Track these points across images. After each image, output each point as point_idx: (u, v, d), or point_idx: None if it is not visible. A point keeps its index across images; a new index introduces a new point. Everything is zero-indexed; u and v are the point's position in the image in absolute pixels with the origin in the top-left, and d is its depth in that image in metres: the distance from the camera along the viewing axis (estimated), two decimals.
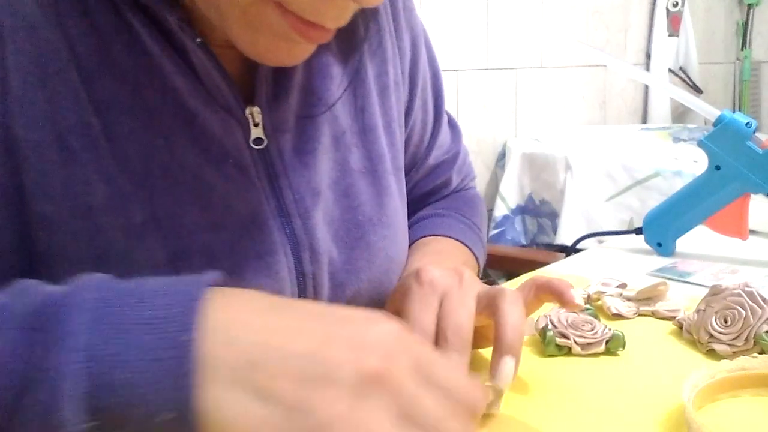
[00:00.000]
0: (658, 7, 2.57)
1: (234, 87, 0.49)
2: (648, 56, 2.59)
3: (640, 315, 0.66)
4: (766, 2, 2.86)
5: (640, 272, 0.80)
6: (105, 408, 0.30)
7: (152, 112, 0.47)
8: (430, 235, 0.68)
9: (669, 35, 2.61)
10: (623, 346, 0.57)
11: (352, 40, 0.57)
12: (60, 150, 0.44)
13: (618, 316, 0.65)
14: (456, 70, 1.92)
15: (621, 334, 0.57)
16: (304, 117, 0.54)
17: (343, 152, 0.57)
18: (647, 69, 2.56)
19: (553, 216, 1.87)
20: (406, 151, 0.68)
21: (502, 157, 2.03)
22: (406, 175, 0.68)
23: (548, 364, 0.55)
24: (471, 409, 0.35)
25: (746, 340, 0.55)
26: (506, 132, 2.11)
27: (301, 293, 0.53)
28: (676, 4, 2.59)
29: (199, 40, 0.46)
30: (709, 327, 0.57)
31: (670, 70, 2.63)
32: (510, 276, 0.69)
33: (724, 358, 0.51)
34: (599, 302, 0.68)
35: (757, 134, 0.81)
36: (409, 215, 0.68)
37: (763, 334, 0.55)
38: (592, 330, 0.58)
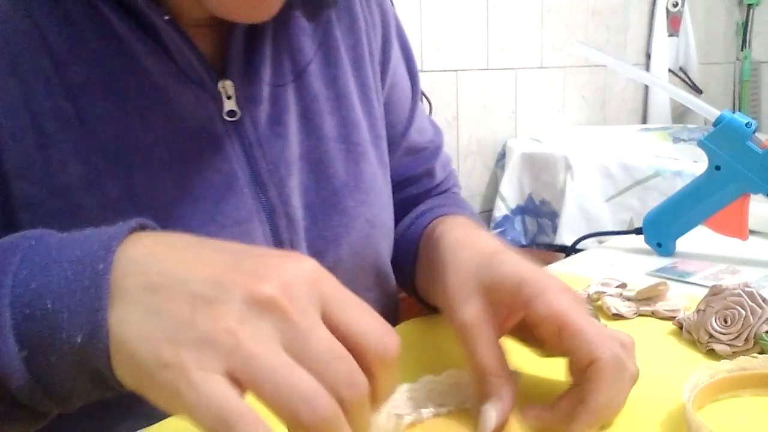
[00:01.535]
0: (658, 7, 2.57)
1: (205, 62, 0.51)
2: (648, 56, 2.59)
3: (640, 315, 0.66)
4: (766, 2, 2.86)
5: (640, 272, 0.80)
6: (32, 336, 0.33)
7: (125, 93, 0.49)
8: (446, 215, 0.66)
9: (669, 35, 2.61)
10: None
11: (318, 9, 0.59)
12: (36, 134, 0.46)
13: (618, 316, 0.65)
14: (456, 70, 1.92)
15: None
16: (276, 86, 0.56)
17: (316, 120, 0.58)
18: (647, 69, 2.56)
19: (553, 216, 1.87)
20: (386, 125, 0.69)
21: (501, 157, 2.03)
22: (389, 148, 0.69)
23: (546, 364, 0.55)
24: (380, 361, 0.33)
25: (746, 340, 0.55)
26: (506, 132, 2.11)
27: None
28: (676, 4, 2.60)
29: (167, 17, 0.48)
30: (709, 327, 0.57)
31: (670, 70, 2.64)
32: None
33: (724, 358, 0.51)
34: (599, 302, 0.68)
35: (757, 134, 0.81)
36: (395, 205, 0.69)
37: (763, 334, 0.55)
38: None
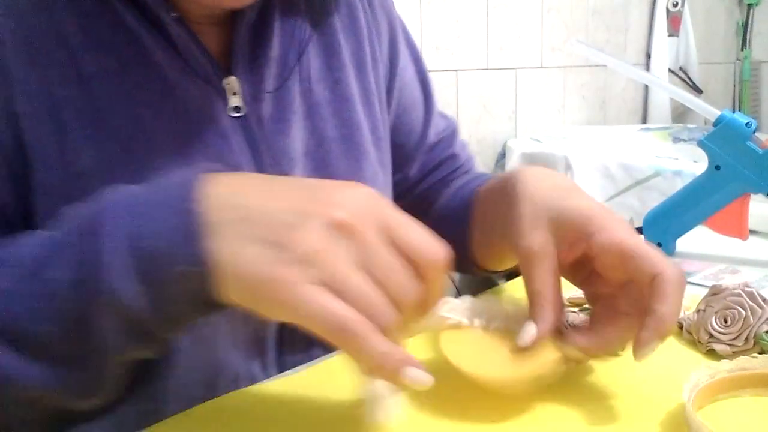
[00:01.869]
0: (658, 7, 2.57)
1: (211, 58, 0.53)
2: (648, 56, 2.59)
3: None
4: (766, 2, 2.86)
5: None
6: (147, 273, 0.39)
7: (136, 84, 0.51)
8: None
9: (669, 35, 2.61)
10: (623, 348, 0.57)
11: (322, 16, 0.62)
12: (53, 122, 0.49)
13: None
14: (456, 70, 1.92)
15: None
16: (280, 87, 0.58)
17: (318, 122, 0.60)
18: (647, 69, 2.56)
19: None
20: (401, 131, 0.72)
21: (502, 157, 2.03)
22: (411, 155, 0.73)
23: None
24: (431, 268, 0.40)
25: (746, 340, 0.55)
26: (506, 132, 2.11)
27: None
28: (676, 4, 2.59)
29: (174, 14, 0.50)
30: (709, 327, 0.57)
31: (670, 70, 2.63)
32: (510, 276, 0.69)
33: (724, 358, 0.51)
34: None
35: (757, 134, 0.81)
36: (426, 191, 0.74)
37: (763, 334, 0.55)
38: None
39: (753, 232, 0.86)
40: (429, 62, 1.85)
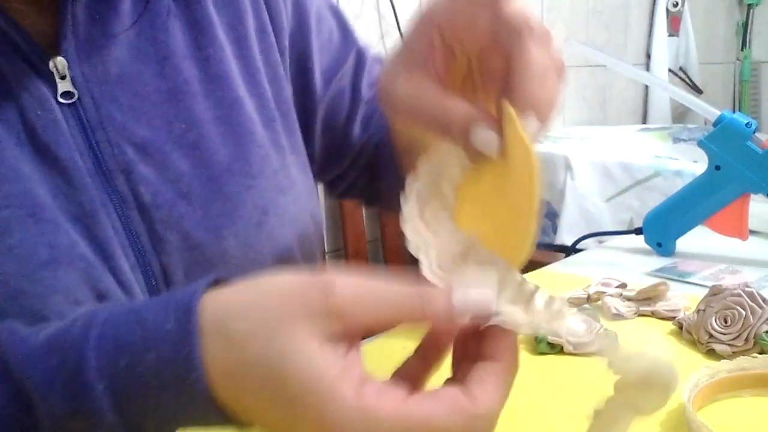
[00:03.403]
0: (658, 7, 2.57)
1: (28, 39, 0.48)
2: (648, 56, 2.59)
3: (640, 315, 0.66)
4: (766, 2, 2.86)
5: (640, 272, 0.80)
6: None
7: None
8: None
9: (669, 35, 2.61)
10: None
11: None
12: None
13: (618, 316, 0.65)
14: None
15: (615, 335, 0.57)
16: (131, 67, 0.52)
17: (188, 102, 0.55)
18: (647, 69, 2.56)
19: (553, 216, 1.87)
20: (332, 92, 0.65)
21: None
22: (350, 113, 0.66)
23: (541, 362, 0.55)
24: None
25: (746, 340, 0.55)
26: None
27: (139, 254, 0.51)
28: (676, 4, 2.60)
29: None
30: (709, 327, 0.57)
31: (670, 70, 2.63)
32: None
33: (724, 358, 0.51)
34: (599, 302, 0.68)
35: (757, 134, 0.81)
36: (373, 144, 0.67)
37: (763, 334, 0.55)
38: (588, 330, 0.58)
39: (753, 232, 0.86)
40: None
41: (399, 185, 0.47)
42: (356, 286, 0.34)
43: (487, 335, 0.35)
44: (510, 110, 0.37)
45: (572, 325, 0.36)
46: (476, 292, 0.34)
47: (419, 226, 0.40)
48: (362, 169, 0.68)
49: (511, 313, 0.34)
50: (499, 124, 0.38)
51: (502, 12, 0.39)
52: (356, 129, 0.68)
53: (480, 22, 0.40)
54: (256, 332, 0.34)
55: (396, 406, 0.32)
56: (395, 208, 0.44)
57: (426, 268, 0.38)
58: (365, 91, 0.68)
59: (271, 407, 0.33)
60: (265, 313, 0.34)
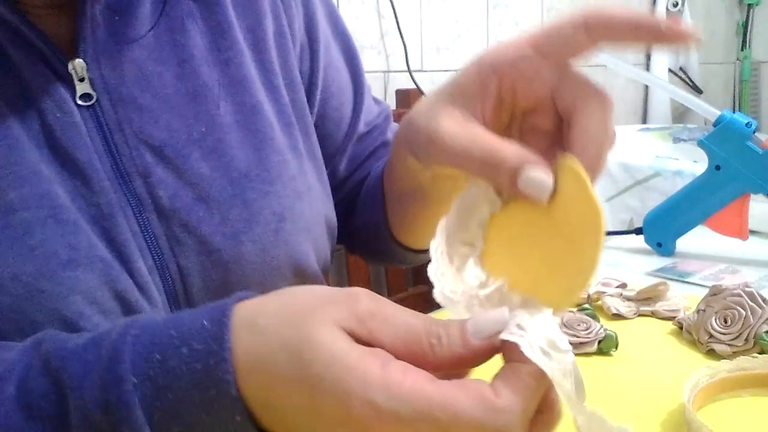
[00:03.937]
0: (658, 7, 2.57)
1: (48, 42, 0.48)
2: (648, 56, 2.59)
3: (640, 315, 0.66)
4: (766, 2, 2.86)
5: (640, 272, 0.80)
6: None
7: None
8: None
9: None
10: (616, 347, 0.57)
11: None
12: None
13: (618, 316, 0.65)
14: (456, 70, 1.92)
15: (614, 335, 0.57)
16: (151, 69, 0.52)
17: (207, 105, 0.54)
18: (647, 69, 2.56)
19: None
20: (327, 118, 0.65)
21: None
22: (340, 147, 0.66)
23: None
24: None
25: (746, 340, 0.55)
26: None
27: (157, 257, 0.51)
28: (676, 4, 2.60)
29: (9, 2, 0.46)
30: (709, 327, 0.57)
31: (670, 70, 2.63)
32: None
33: (724, 358, 0.51)
34: (599, 302, 0.68)
35: (757, 134, 0.81)
36: (357, 186, 0.67)
37: (763, 334, 0.55)
38: (587, 330, 0.58)
39: (753, 232, 0.86)
40: (429, 62, 1.85)
41: (373, 226, 0.48)
42: (379, 301, 0.35)
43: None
44: (574, 161, 0.37)
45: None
46: (492, 314, 0.35)
47: (443, 264, 0.40)
48: (335, 203, 0.66)
49: (520, 337, 0.34)
50: (552, 170, 0.38)
51: (568, 72, 0.41)
52: (343, 163, 0.68)
53: (544, 77, 0.41)
54: (283, 323, 0.35)
55: (422, 384, 0.32)
56: (357, 247, 0.45)
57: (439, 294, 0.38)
58: (361, 127, 0.68)
59: (294, 393, 0.33)
60: (294, 312, 0.35)
